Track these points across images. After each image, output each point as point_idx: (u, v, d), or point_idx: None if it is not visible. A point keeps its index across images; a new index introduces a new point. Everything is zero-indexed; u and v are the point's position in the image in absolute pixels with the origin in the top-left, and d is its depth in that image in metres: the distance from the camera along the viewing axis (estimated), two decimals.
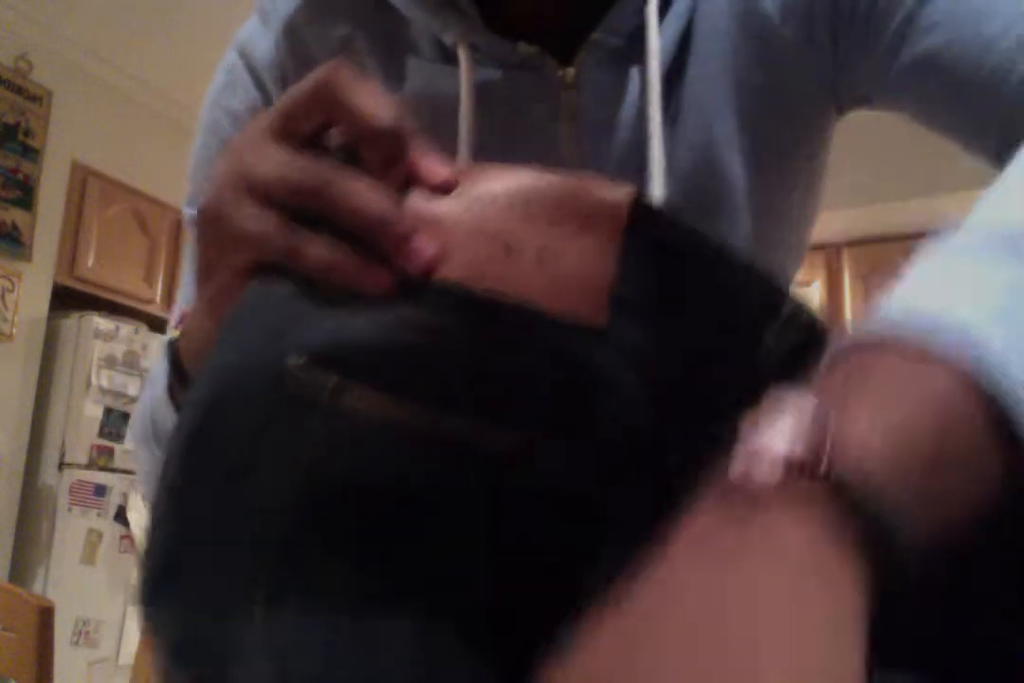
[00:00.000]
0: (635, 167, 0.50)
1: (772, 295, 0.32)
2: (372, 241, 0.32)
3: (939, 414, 0.23)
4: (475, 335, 0.31)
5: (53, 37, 3.00)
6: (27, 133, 2.93)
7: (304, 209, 0.32)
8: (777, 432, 0.23)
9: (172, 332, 0.45)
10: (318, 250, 0.32)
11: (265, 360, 0.31)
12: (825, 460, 0.22)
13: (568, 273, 0.31)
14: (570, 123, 0.52)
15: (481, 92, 0.51)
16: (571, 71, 0.51)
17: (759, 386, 0.29)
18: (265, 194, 0.33)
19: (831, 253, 3.33)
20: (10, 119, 2.88)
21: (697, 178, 0.51)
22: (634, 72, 0.52)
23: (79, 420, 2.86)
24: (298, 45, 0.56)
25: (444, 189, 0.33)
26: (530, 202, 0.32)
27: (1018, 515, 0.25)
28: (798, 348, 0.32)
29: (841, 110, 0.54)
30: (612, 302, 0.31)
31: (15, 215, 2.87)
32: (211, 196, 0.34)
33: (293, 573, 0.29)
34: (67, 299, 3.04)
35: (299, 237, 0.32)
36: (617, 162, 0.52)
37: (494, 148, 0.51)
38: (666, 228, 0.33)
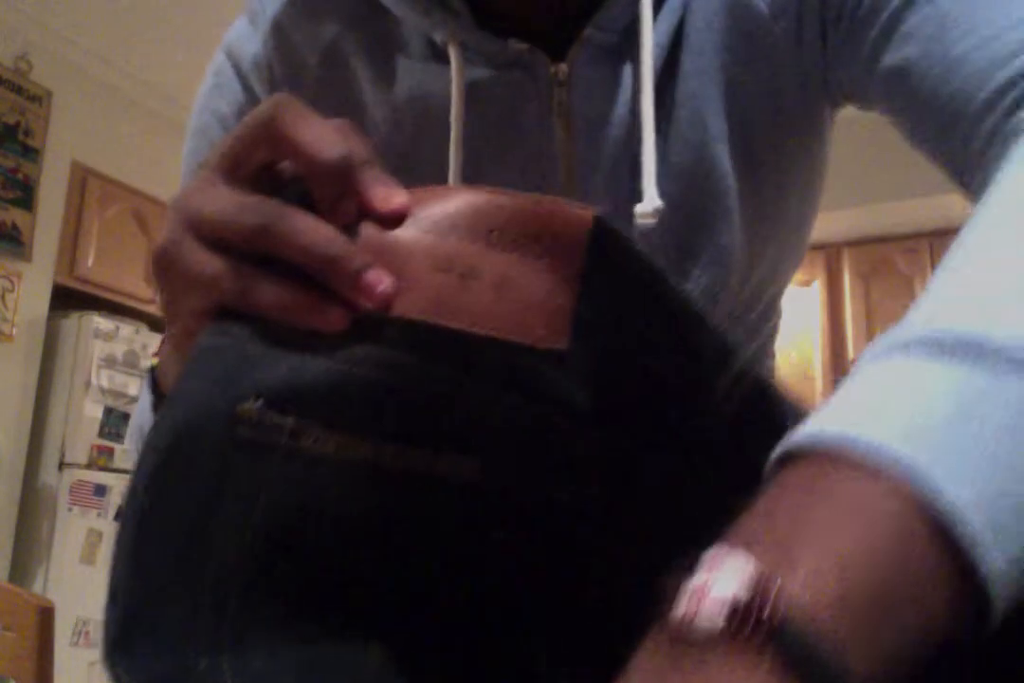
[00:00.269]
0: (628, 165, 0.50)
1: (725, 348, 0.32)
2: (324, 279, 0.31)
3: (887, 540, 0.22)
4: (433, 368, 0.30)
5: (53, 37, 3.01)
6: (27, 133, 2.93)
7: (254, 250, 0.32)
8: (723, 571, 0.22)
9: (152, 359, 0.44)
10: (270, 291, 0.31)
11: (220, 406, 0.30)
12: (770, 604, 0.21)
13: (528, 299, 0.31)
14: (562, 121, 0.51)
15: (472, 91, 0.51)
16: (563, 68, 0.50)
17: (708, 429, 0.30)
18: (213, 236, 0.32)
19: (831, 253, 3.33)
20: (10, 119, 2.88)
21: (692, 176, 0.51)
22: (627, 68, 0.51)
23: (79, 420, 2.86)
24: (286, 46, 0.56)
25: (398, 217, 0.32)
26: (488, 227, 0.32)
27: (979, 646, 0.23)
28: (749, 409, 0.31)
29: (836, 105, 0.54)
30: (573, 326, 0.31)
31: (15, 215, 2.87)
32: (162, 241, 0.34)
33: (256, 620, 0.29)
34: (67, 299, 3.04)
35: (250, 279, 0.32)
36: (610, 160, 0.51)
37: (486, 147, 0.51)
38: (626, 251, 0.32)
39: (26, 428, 2.90)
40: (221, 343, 0.32)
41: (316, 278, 0.31)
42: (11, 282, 2.86)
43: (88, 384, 2.88)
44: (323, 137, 0.32)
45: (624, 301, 0.32)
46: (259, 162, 0.33)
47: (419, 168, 0.52)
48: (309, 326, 0.31)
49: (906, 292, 3.13)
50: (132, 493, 0.31)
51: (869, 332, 3.17)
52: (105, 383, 2.90)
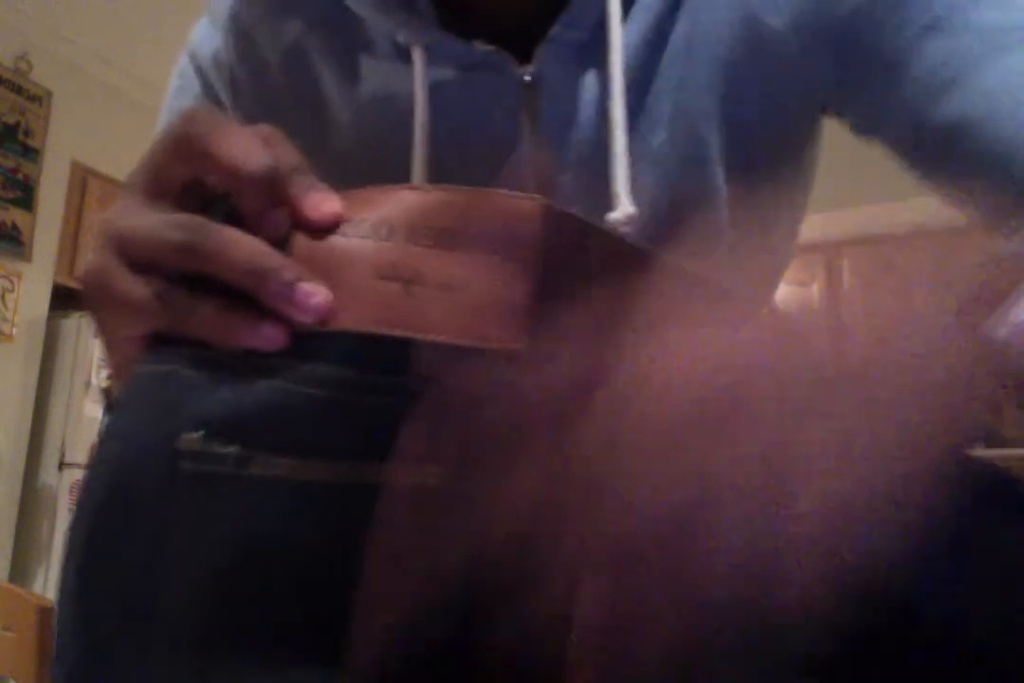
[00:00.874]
0: (601, 169, 0.48)
1: None
2: (256, 295, 0.30)
3: None
4: (381, 380, 0.29)
5: (53, 37, 3.01)
6: (27, 133, 2.93)
7: (183, 269, 0.31)
8: None
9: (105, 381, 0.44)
10: (202, 313, 0.30)
11: (160, 440, 0.28)
12: None
13: (478, 299, 0.30)
14: (531, 123, 0.50)
15: (437, 93, 0.49)
16: (530, 69, 0.49)
17: None
18: (141, 258, 0.31)
19: (831, 253, 3.33)
20: (10, 119, 2.88)
21: (678, 186, 0.49)
22: (596, 68, 0.49)
23: (79, 420, 2.86)
24: (247, 45, 0.54)
25: (332, 224, 0.31)
26: (430, 226, 0.30)
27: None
28: None
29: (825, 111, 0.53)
30: (530, 323, 0.29)
31: (15, 215, 2.87)
32: (88, 266, 0.32)
33: (217, 653, 0.27)
34: (67, 299, 3.04)
35: (180, 302, 0.30)
36: (582, 163, 0.50)
37: (453, 150, 0.50)
38: (582, 233, 0.31)
39: (26, 428, 2.90)
40: (158, 371, 0.30)
41: (249, 295, 0.30)
42: (11, 282, 2.86)
43: (88, 384, 2.88)
44: (243, 148, 0.31)
45: (582, 287, 0.30)
46: (181, 179, 0.32)
47: (384, 170, 0.51)
48: (246, 346, 0.29)
49: (906, 292, 3.13)
50: (73, 540, 0.30)
51: (868, 333, 3.17)
52: (105, 383, 2.90)
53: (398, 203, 0.31)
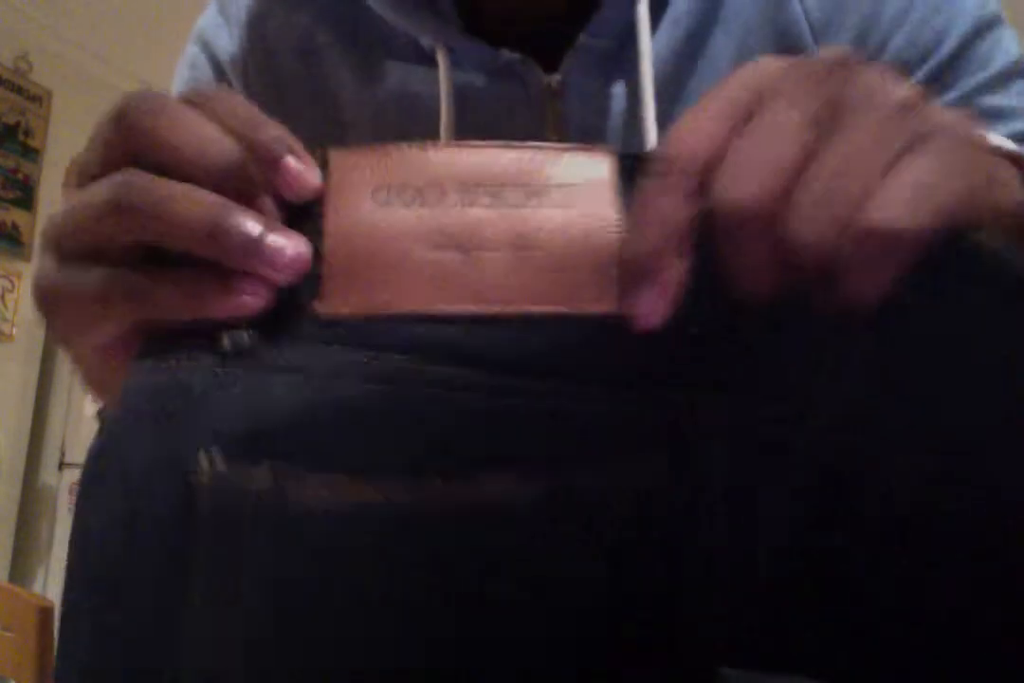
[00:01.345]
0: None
1: None
2: (212, 254, 0.25)
3: None
4: (446, 372, 0.24)
5: (53, 37, 3.01)
6: (27, 133, 2.93)
7: (124, 241, 0.26)
8: None
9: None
10: (163, 290, 0.25)
11: (167, 462, 0.23)
12: None
13: (559, 257, 0.25)
14: (556, 133, 0.48)
15: (461, 98, 0.48)
16: (556, 78, 0.48)
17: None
18: (76, 247, 0.26)
19: None
20: (10, 119, 2.88)
21: None
22: (624, 77, 0.48)
23: (79, 420, 2.86)
24: (258, 37, 0.53)
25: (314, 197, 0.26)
26: (485, 185, 0.26)
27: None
28: None
29: None
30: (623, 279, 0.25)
31: (15, 215, 2.87)
32: (34, 276, 0.28)
33: None
34: None
35: (135, 283, 0.25)
36: None
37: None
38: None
39: (26, 428, 2.89)
40: (155, 379, 0.25)
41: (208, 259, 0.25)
42: (11, 282, 2.86)
43: None
44: (202, 134, 0.26)
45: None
46: (125, 163, 0.26)
47: None
48: (223, 315, 0.25)
49: None
50: (73, 601, 0.24)
51: None
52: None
53: (445, 162, 0.27)
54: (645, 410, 0.25)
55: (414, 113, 0.49)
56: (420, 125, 0.49)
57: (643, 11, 0.47)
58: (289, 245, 0.25)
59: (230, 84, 0.53)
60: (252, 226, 0.25)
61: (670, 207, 0.24)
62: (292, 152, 0.26)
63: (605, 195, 0.26)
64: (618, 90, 0.48)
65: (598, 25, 0.47)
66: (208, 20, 0.55)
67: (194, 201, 0.25)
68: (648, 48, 0.47)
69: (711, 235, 0.24)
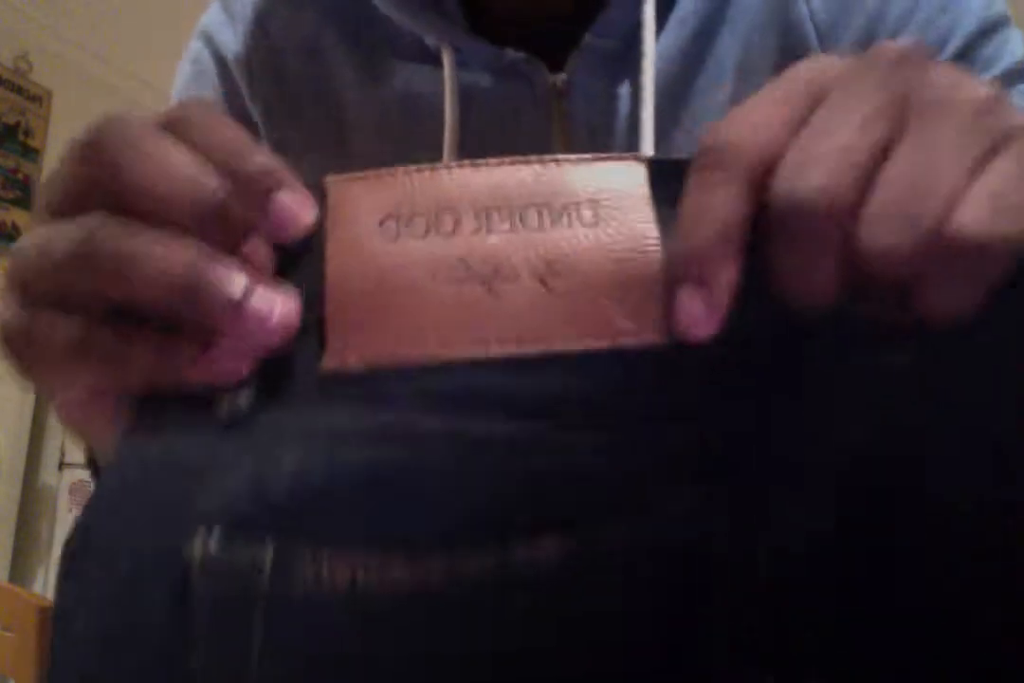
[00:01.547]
0: None
1: None
2: (193, 319, 0.21)
3: None
4: (475, 425, 0.21)
5: (53, 37, 3.00)
6: (27, 133, 2.93)
7: (87, 296, 0.22)
8: None
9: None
10: (138, 353, 0.22)
11: (161, 547, 0.21)
12: None
13: (593, 283, 0.22)
14: (562, 132, 0.48)
15: (466, 97, 0.48)
16: (562, 77, 0.48)
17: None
18: (43, 293, 0.23)
19: None
20: (10, 119, 2.88)
21: None
22: (629, 77, 0.48)
23: None
24: (262, 35, 0.52)
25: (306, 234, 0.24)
26: (504, 208, 0.24)
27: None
28: None
29: None
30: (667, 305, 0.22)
31: (15, 215, 2.87)
32: (2, 315, 0.25)
33: None
34: None
35: (108, 340, 0.22)
36: None
37: (480, 158, 0.48)
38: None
39: (26, 428, 2.89)
40: (147, 445, 0.22)
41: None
42: None
43: None
44: (174, 169, 0.22)
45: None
46: (96, 201, 0.23)
47: None
48: (199, 383, 0.22)
49: None
50: (54, 678, 0.21)
51: None
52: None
53: (457, 184, 0.24)
54: (699, 441, 0.23)
55: (419, 113, 0.49)
56: (425, 125, 0.48)
57: (649, 11, 0.46)
58: (277, 306, 0.22)
59: (234, 81, 0.53)
60: (233, 285, 0.22)
61: (725, 202, 0.22)
62: (283, 185, 0.24)
63: (640, 208, 0.24)
64: (624, 90, 0.48)
65: (604, 25, 0.47)
66: (212, 16, 0.55)
67: (166, 257, 0.21)
68: (652, 49, 0.46)
69: (763, 237, 0.21)
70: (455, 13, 0.48)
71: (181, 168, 0.23)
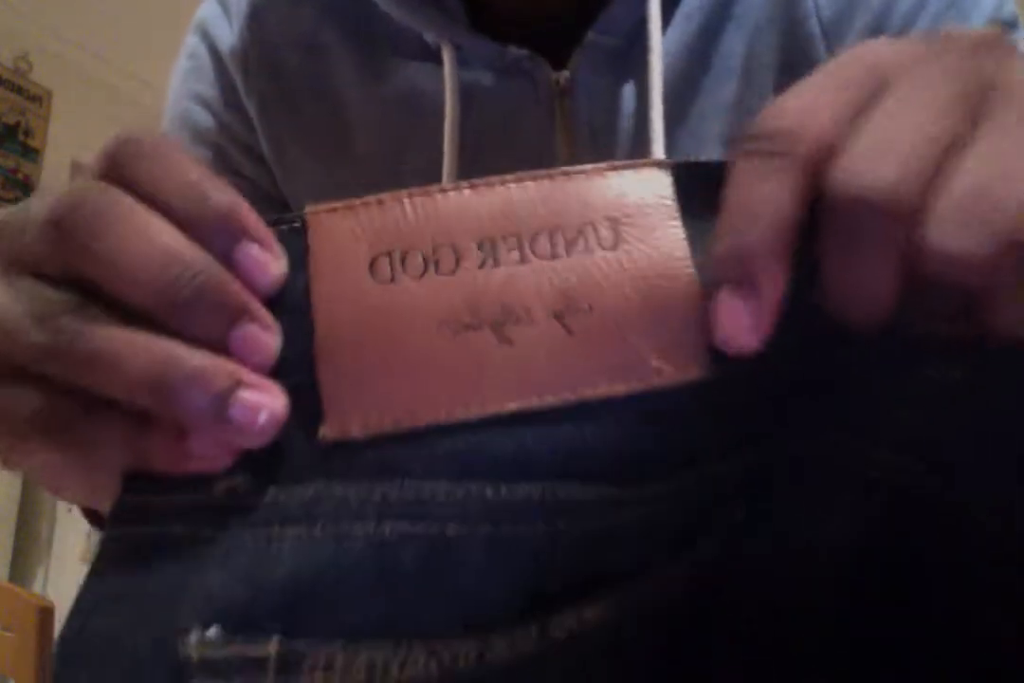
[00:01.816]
0: None
1: None
2: (172, 416, 0.20)
3: None
4: (500, 497, 0.19)
5: (53, 37, 3.00)
6: (27, 133, 2.93)
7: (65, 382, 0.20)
8: None
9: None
10: (104, 438, 0.20)
11: (156, 645, 0.18)
12: None
13: (618, 317, 0.20)
14: (565, 131, 0.47)
15: (467, 96, 0.47)
16: (565, 75, 0.47)
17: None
18: (6, 369, 0.21)
19: None
20: (10, 119, 2.88)
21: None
22: (634, 75, 0.47)
23: None
24: (259, 30, 0.51)
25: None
26: (510, 236, 0.21)
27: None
28: None
29: None
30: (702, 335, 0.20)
31: None
32: None
33: None
34: None
35: (72, 426, 0.20)
36: None
37: (482, 158, 0.47)
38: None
39: None
40: (139, 534, 0.20)
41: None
42: None
43: None
44: (141, 239, 0.20)
45: None
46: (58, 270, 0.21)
47: (407, 173, 0.49)
48: (173, 471, 0.20)
49: None
50: None
51: None
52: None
53: (455, 210, 0.21)
54: (735, 480, 0.21)
55: (419, 112, 0.48)
56: (426, 124, 0.48)
57: (655, 7, 0.45)
58: (263, 410, 0.20)
59: (230, 76, 0.52)
60: (211, 384, 0.19)
61: (779, 193, 0.19)
62: (246, 231, 0.21)
63: (666, 224, 0.21)
64: (629, 89, 0.47)
65: (607, 22, 0.46)
66: (208, 10, 0.54)
67: (135, 355, 0.20)
68: (659, 45, 0.45)
69: (814, 234, 0.19)
70: (456, 10, 0.48)
71: (159, 255, 0.20)
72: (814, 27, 0.47)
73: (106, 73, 3.18)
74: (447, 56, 0.47)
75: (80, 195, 0.21)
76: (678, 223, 0.21)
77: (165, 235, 0.21)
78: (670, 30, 0.47)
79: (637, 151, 0.46)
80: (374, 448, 0.20)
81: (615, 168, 0.21)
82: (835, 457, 0.22)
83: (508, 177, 0.22)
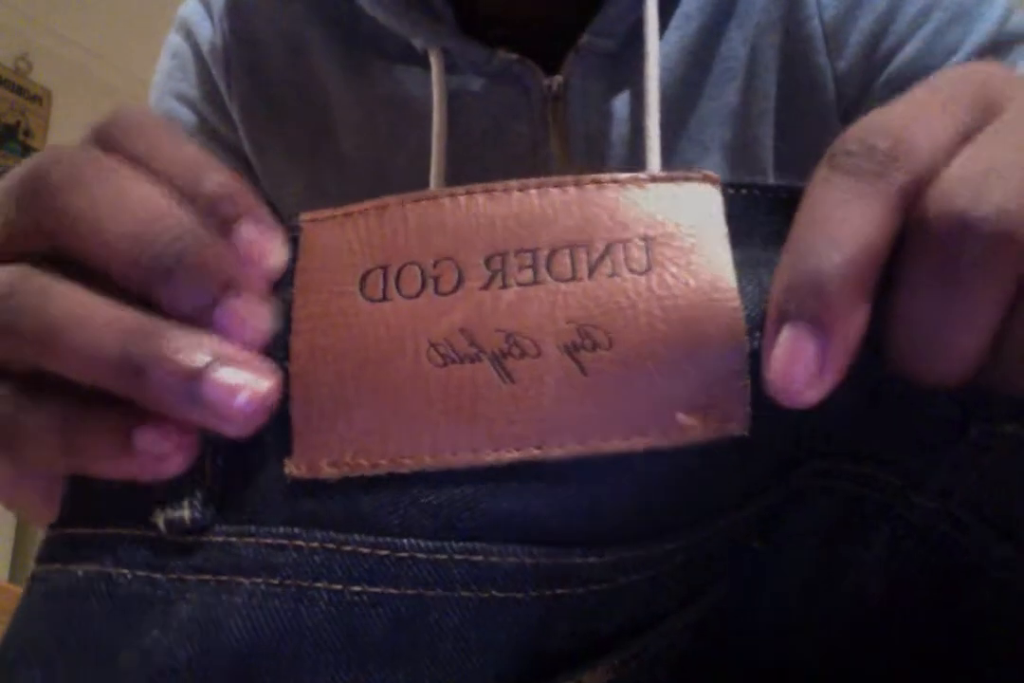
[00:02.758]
0: None
1: None
2: (133, 398, 0.17)
3: None
4: (490, 563, 0.16)
5: (53, 37, 3.00)
6: (27, 133, 2.93)
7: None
8: None
9: None
10: (35, 426, 0.18)
11: None
12: None
13: (642, 358, 0.17)
14: (558, 139, 0.45)
15: (456, 102, 0.45)
16: (558, 80, 0.45)
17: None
18: None
19: None
20: (10, 119, 2.88)
21: None
22: (630, 79, 0.45)
23: None
24: (242, 28, 0.50)
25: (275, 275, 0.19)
26: (521, 251, 0.18)
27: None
28: None
29: None
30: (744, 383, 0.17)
31: None
32: None
33: None
34: None
35: (5, 421, 0.18)
36: None
37: (470, 165, 0.45)
38: (778, 208, 0.19)
39: None
40: (75, 576, 0.17)
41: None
42: None
43: None
44: (123, 221, 0.18)
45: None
46: (35, 248, 0.19)
47: (393, 175, 0.47)
48: (113, 476, 0.17)
49: None
50: None
51: None
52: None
53: (462, 219, 0.18)
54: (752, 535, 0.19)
55: (406, 117, 0.47)
56: (413, 130, 0.46)
57: (651, 8, 0.43)
58: (241, 386, 0.17)
59: (213, 77, 0.52)
60: (184, 358, 0.17)
61: (869, 219, 0.16)
62: (248, 212, 0.19)
63: (710, 248, 0.17)
64: (624, 94, 0.45)
65: (602, 24, 0.44)
66: (190, 8, 0.53)
67: (98, 323, 0.17)
68: (656, 48, 0.43)
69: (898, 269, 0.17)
70: (444, 11, 0.46)
71: (140, 213, 0.18)
72: (816, 27, 0.45)
73: (106, 73, 3.18)
74: (435, 63, 0.45)
75: (56, 154, 0.19)
76: (726, 247, 0.18)
77: (149, 193, 0.18)
78: (669, 31, 0.45)
79: (634, 160, 0.45)
80: (346, 493, 0.17)
81: (655, 179, 0.18)
82: (851, 492, 0.20)
83: (530, 181, 0.19)
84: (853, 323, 0.16)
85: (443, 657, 0.16)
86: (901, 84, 0.45)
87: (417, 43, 0.46)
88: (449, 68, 0.45)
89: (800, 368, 0.16)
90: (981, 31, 0.45)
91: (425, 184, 0.44)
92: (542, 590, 0.16)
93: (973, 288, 0.16)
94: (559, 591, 0.17)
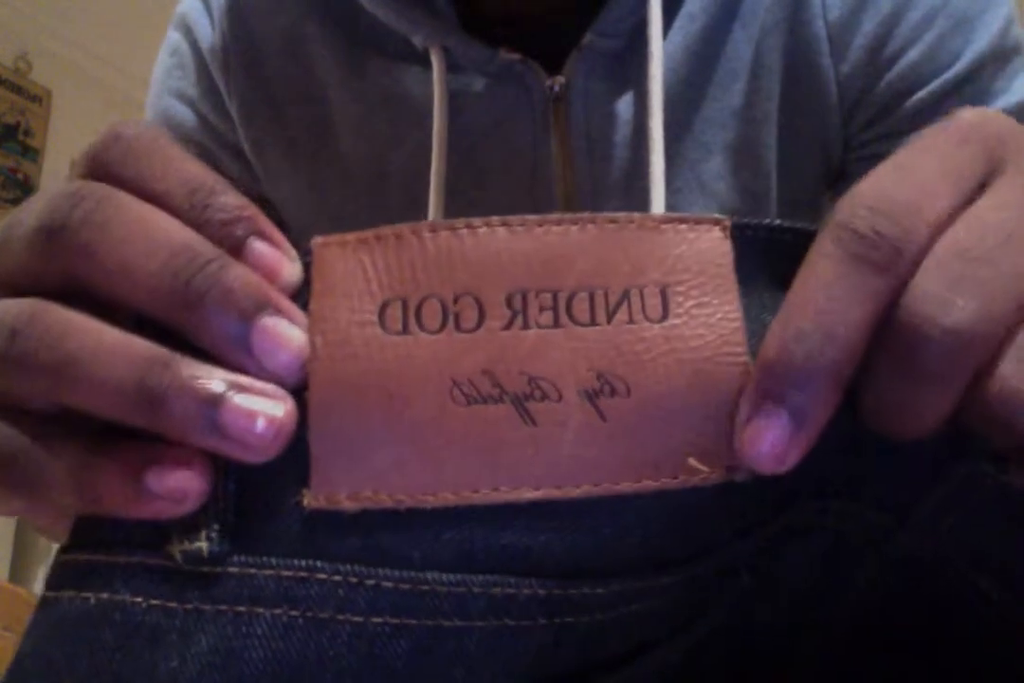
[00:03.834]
0: (638, 193, 0.42)
1: None
2: (147, 428, 0.17)
3: None
4: (507, 598, 0.17)
5: (53, 37, 3.00)
6: (27, 133, 2.93)
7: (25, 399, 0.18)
8: None
9: None
10: (57, 467, 0.18)
11: None
12: None
13: (662, 404, 0.17)
14: (560, 140, 0.45)
15: (456, 102, 0.44)
16: (560, 80, 0.44)
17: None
18: None
19: None
20: (10, 119, 2.88)
21: (726, 198, 0.45)
22: (634, 79, 0.44)
23: None
24: (240, 26, 0.50)
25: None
26: (543, 291, 0.18)
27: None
28: None
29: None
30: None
31: None
32: None
33: None
34: None
35: (27, 450, 0.18)
36: (617, 186, 0.45)
37: (470, 167, 0.45)
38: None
39: None
40: (86, 604, 0.17)
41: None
42: None
43: None
44: (145, 246, 0.18)
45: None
46: (56, 283, 0.19)
47: (392, 174, 0.47)
48: (132, 516, 0.17)
49: None
50: None
51: None
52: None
53: (485, 253, 0.18)
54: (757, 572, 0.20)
55: (406, 115, 0.46)
56: (412, 130, 0.46)
57: (655, 8, 0.43)
58: (258, 412, 0.17)
59: (212, 75, 0.51)
60: (202, 387, 0.17)
61: (864, 310, 0.17)
62: (259, 231, 0.19)
63: (723, 297, 0.18)
64: (628, 95, 0.45)
65: (606, 23, 0.44)
66: (188, 5, 0.52)
67: (115, 355, 0.17)
68: (659, 48, 0.43)
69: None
70: (446, 11, 0.45)
71: (167, 243, 0.18)
72: (820, 29, 0.45)
73: (106, 73, 3.18)
74: (436, 62, 0.44)
75: (69, 194, 0.19)
76: (735, 300, 0.18)
77: (170, 225, 0.19)
78: (673, 32, 0.45)
79: (636, 161, 0.44)
80: (367, 526, 0.17)
81: (670, 221, 0.18)
82: (841, 528, 0.21)
83: (549, 218, 0.18)
84: (828, 412, 0.17)
85: (457, 682, 0.17)
86: (902, 89, 0.45)
87: (417, 41, 0.46)
88: (450, 67, 0.45)
89: (770, 448, 0.17)
90: (983, 40, 0.45)
91: (424, 184, 0.44)
92: (552, 619, 0.17)
93: (934, 381, 0.17)
94: (567, 619, 0.17)
